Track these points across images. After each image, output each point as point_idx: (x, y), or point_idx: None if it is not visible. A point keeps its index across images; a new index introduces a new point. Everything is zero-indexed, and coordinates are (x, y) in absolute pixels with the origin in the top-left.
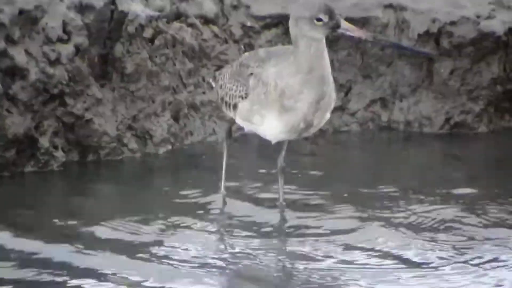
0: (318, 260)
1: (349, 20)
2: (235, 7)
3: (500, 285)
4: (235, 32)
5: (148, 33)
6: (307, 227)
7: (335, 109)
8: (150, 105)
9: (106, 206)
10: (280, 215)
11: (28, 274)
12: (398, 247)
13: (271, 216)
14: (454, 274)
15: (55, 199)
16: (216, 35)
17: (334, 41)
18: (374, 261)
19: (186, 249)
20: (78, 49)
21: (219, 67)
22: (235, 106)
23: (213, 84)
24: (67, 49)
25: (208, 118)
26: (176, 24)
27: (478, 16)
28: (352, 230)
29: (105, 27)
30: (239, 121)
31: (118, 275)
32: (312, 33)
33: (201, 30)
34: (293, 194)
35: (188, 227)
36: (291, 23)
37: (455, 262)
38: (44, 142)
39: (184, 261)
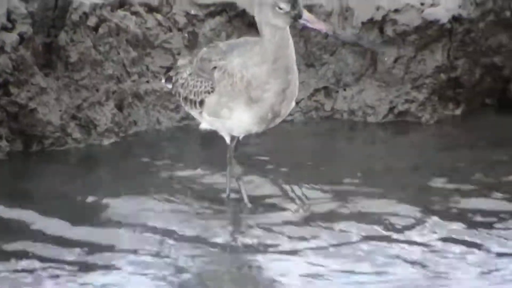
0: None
1: None
2: None
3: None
4: (179, 20)
5: (92, 21)
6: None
7: None
8: (94, 94)
9: (50, 195)
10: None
11: None
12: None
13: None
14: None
15: None
16: (160, 23)
17: None
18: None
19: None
20: (22, 38)
21: (168, 68)
22: (201, 102)
23: (169, 86)
24: (11, 38)
25: (152, 107)
26: (120, 12)
27: (422, 4)
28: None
29: (49, 16)
30: (205, 118)
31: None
32: (275, 21)
33: (145, 18)
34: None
35: None
36: (255, 9)
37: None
38: None
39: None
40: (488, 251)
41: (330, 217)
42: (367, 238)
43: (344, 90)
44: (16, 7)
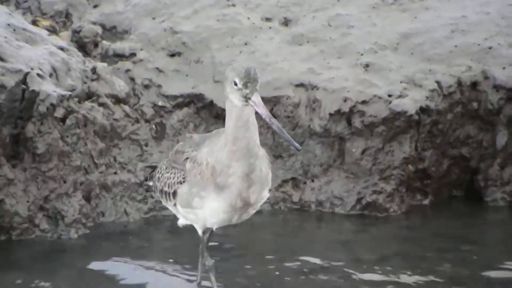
0: None
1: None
2: (146, 87)
3: None
4: (146, 112)
5: (59, 112)
6: None
7: None
8: (62, 185)
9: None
10: None
11: None
12: None
13: None
14: None
15: None
16: (127, 115)
17: None
18: None
19: None
20: None
21: (154, 168)
22: (174, 193)
23: (150, 183)
24: None
25: (120, 198)
26: (87, 104)
27: (390, 95)
28: None
29: (17, 107)
30: (180, 210)
31: None
32: (231, 96)
33: (113, 109)
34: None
35: None
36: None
37: None
38: None
39: None
40: None
41: None
42: None
43: (312, 181)
44: None
